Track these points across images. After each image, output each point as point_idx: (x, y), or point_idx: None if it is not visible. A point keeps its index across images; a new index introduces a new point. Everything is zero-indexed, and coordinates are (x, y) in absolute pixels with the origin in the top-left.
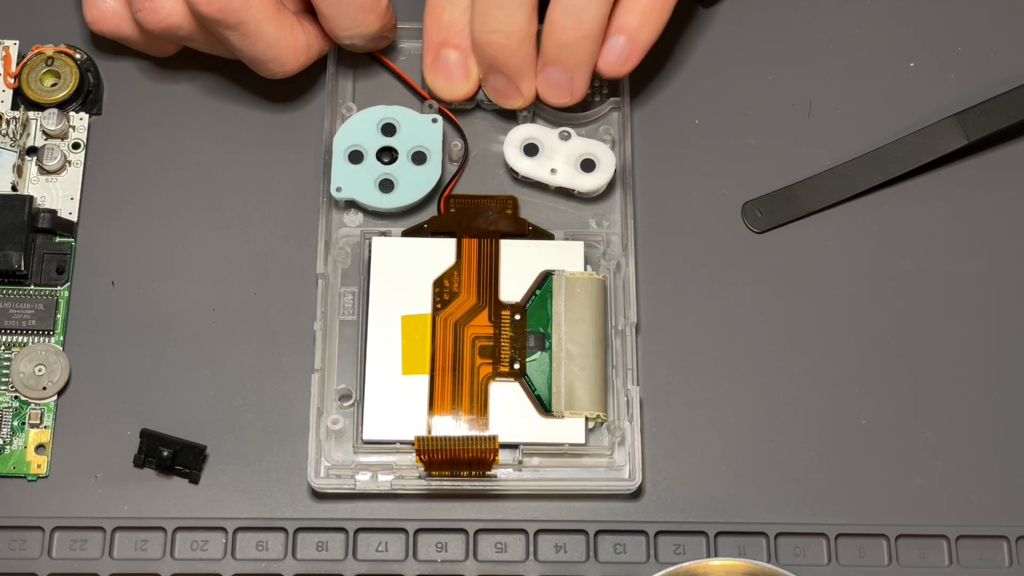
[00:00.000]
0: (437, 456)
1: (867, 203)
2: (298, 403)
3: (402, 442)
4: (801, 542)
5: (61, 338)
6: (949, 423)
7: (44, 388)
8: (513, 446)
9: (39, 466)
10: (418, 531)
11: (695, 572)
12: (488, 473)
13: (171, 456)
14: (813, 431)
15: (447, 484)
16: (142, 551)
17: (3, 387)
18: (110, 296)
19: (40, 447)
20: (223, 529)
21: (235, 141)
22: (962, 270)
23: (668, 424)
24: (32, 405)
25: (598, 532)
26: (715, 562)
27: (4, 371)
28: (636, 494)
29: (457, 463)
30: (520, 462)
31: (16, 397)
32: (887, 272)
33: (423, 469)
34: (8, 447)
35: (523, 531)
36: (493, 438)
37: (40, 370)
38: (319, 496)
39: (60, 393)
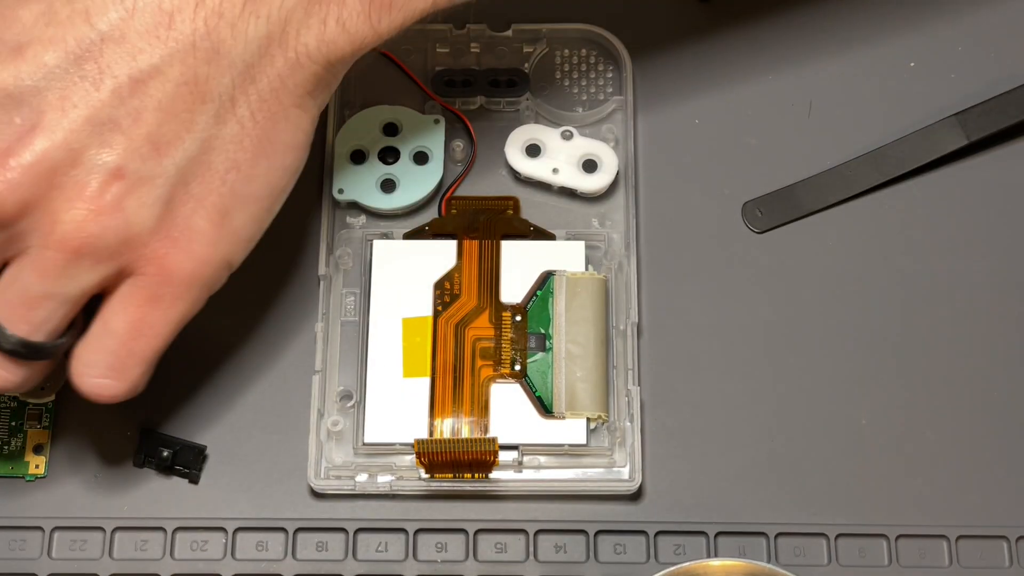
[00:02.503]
0: (437, 459)
1: (867, 203)
2: (298, 403)
3: (402, 444)
4: (801, 542)
5: None
6: (949, 423)
7: (42, 388)
8: (514, 447)
9: (37, 466)
10: (418, 531)
11: (695, 572)
12: (489, 475)
13: (171, 456)
14: (813, 431)
15: (447, 485)
16: (142, 551)
17: None
18: None
19: (38, 447)
20: (223, 529)
21: None
22: (962, 270)
23: (668, 424)
24: (30, 405)
25: (598, 532)
26: (715, 562)
27: None
28: (636, 494)
29: (458, 465)
30: (520, 463)
31: (14, 397)
32: (887, 272)
33: (424, 471)
34: (6, 447)
35: (523, 531)
36: (492, 440)
37: None
38: (319, 496)
39: (59, 393)
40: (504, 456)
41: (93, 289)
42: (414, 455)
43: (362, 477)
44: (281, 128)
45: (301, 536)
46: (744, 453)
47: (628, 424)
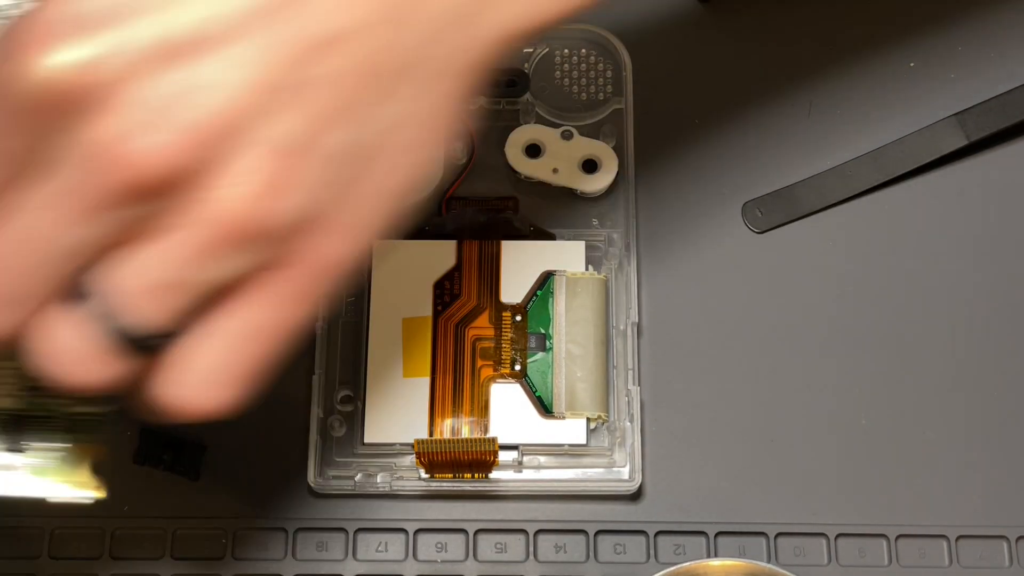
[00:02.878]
0: (437, 459)
1: (867, 203)
2: (298, 403)
3: (402, 444)
4: (801, 542)
5: None
6: (949, 423)
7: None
8: (514, 447)
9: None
10: (418, 531)
11: (695, 572)
12: (489, 475)
13: (171, 456)
14: (813, 431)
15: (447, 485)
16: (142, 551)
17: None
18: None
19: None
20: (223, 529)
21: None
22: (962, 270)
23: (668, 424)
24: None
25: (598, 532)
26: (715, 562)
27: None
28: (636, 494)
29: (458, 465)
30: (520, 463)
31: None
32: (887, 272)
33: (424, 471)
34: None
35: (523, 531)
36: (492, 440)
37: None
38: (319, 496)
39: None
40: (504, 456)
41: (229, 280)
42: (414, 455)
43: (362, 477)
44: (444, 113)
45: (301, 536)
46: (744, 453)
47: (628, 424)
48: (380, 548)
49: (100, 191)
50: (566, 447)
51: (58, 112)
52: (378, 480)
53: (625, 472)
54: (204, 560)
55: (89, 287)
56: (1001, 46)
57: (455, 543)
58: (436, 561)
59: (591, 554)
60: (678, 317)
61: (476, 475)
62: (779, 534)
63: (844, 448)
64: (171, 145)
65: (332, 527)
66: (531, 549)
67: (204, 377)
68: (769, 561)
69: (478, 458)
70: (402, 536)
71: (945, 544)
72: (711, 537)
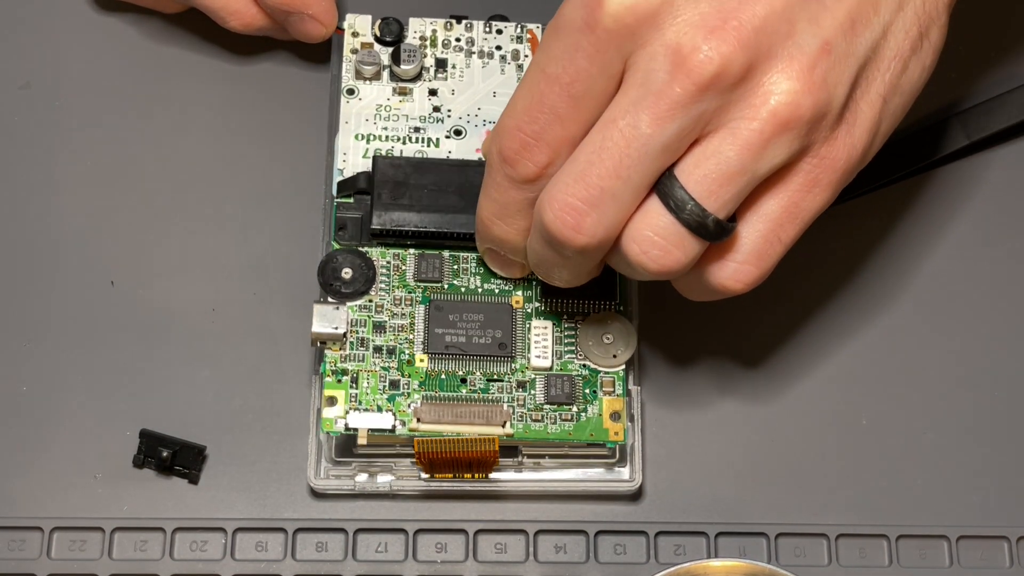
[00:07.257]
0: (437, 459)
1: (867, 203)
2: (298, 403)
3: (402, 445)
4: (801, 543)
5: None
6: (949, 423)
7: (614, 356)
8: (513, 447)
9: (616, 433)
10: (418, 532)
11: (695, 573)
12: (489, 475)
13: (170, 456)
14: (813, 431)
15: (447, 485)
16: (141, 552)
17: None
18: (110, 296)
19: (615, 415)
20: (222, 530)
21: (236, 141)
22: (962, 270)
23: (668, 424)
24: (602, 373)
25: (598, 533)
26: (715, 563)
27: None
28: (636, 495)
29: (457, 465)
30: (520, 463)
31: (585, 365)
32: (887, 272)
33: (423, 471)
34: (583, 415)
35: (523, 532)
36: (492, 440)
37: (608, 338)
38: (319, 496)
39: (58, 391)
40: (504, 456)
41: (776, 169)
42: (414, 455)
43: (362, 477)
44: (934, 27)
45: (301, 536)
46: (744, 453)
47: (628, 424)
48: (380, 549)
49: (681, 89)
50: (566, 447)
51: (632, 32)
52: (378, 480)
53: (625, 472)
54: (203, 560)
55: (669, 181)
56: (1001, 46)
57: (455, 543)
58: (436, 562)
59: (591, 555)
60: (678, 316)
61: (476, 475)
62: (779, 534)
63: (844, 448)
64: (729, 46)
65: (332, 527)
66: (531, 550)
67: (745, 257)
68: (769, 562)
69: (478, 458)
70: (402, 536)
71: (946, 544)
72: (711, 537)
